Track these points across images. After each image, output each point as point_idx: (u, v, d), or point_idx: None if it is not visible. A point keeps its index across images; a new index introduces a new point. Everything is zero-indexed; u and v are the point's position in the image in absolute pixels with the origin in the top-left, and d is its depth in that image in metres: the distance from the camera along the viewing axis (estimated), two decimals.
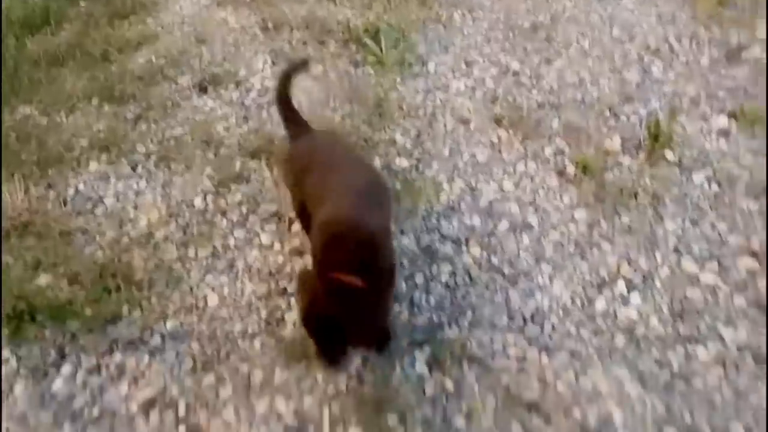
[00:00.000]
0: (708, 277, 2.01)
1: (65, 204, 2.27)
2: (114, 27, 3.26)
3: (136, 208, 2.27)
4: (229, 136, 2.56)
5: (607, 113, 2.70)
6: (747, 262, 2.06)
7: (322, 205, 1.66)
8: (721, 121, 2.63)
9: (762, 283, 1.97)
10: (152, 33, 3.23)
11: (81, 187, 2.36)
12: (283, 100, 1.99)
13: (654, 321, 1.89)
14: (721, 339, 1.84)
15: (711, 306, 1.93)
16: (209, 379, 1.74)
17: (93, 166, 2.46)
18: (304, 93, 2.73)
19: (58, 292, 1.90)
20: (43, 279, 1.97)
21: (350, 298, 1.50)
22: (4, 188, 2.21)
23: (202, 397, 1.69)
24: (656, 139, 2.42)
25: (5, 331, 1.82)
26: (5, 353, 1.79)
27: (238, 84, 2.87)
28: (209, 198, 2.28)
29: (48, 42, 3.18)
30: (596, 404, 1.68)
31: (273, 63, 3.00)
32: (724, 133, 2.58)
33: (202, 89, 2.84)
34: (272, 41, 3.16)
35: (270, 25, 3.29)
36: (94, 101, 2.79)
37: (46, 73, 2.95)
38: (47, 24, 3.24)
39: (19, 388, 1.72)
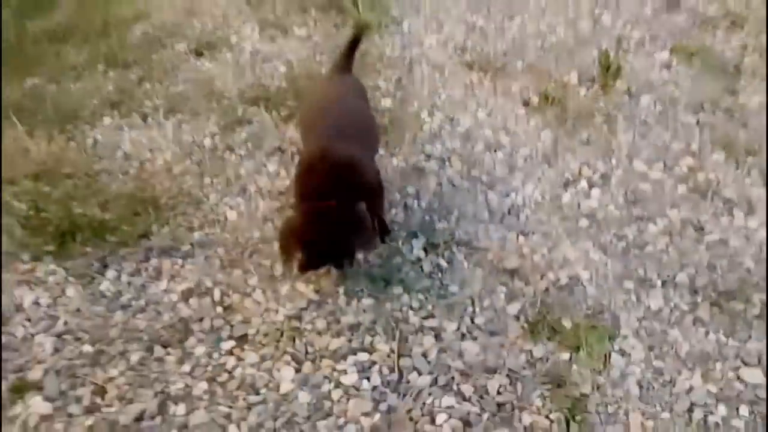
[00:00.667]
0: (656, 174, 2.41)
1: (86, 153, 2.54)
2: (107, 7, 3.55)
3: (151, 151, 2.57)
4: (229, 90, 2.88)
5: (564, 56, 3.10)
6: (688, 161, 2.47)
7: (308, 142, 2.03)
8: (663, 56, 3.06)
9: (701, 176, 2.37)
10: (144, 11, 3.54)
11: (99, 137, 2.65)
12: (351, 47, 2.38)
13: (612, 208, 2.28)
14: (667, 217, 2.23)
15: (658, 194, 2.33)
16: (237, 272, 2.06)
17: (107, 120, 2.75)
18: (291, 52, 3.07)
19: (93, 217, 2.19)
20: (78, 209, 2.27)
21: (325, 220, 1.78)
22: (28, 142, 2.49)
23: (233, 285, 2.01)
24: (607, 70, 2.82)
25: (52, 247, 2.11)
26: (51, 266, 2.08)
27: (231, 48, 3.19)
28: (217, 138, 2.60)
29: (46, 23, 3.47)
30: (566, 268, 2.05)
31: (261, 29, 3.33)
32: (666, 65, 3.01)
33: (199, 54, 3.16)
34: (257, 12, 3.50)
35: None
36: (99, 68, 3.08)
37: (48, 49, 3.23)
38: (42, 8, 3.53)
39: (70, 290, 2.01)
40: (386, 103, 2.76)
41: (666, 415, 1.65)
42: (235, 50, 3.15)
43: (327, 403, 1.69)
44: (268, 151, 2.54)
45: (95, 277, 2.04)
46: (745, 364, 1.75)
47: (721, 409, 1.66)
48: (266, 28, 3.33)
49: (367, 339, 1.83)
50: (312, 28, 3.30)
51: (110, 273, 2.06)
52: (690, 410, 1.66)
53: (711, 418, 1.64)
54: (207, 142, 2.57)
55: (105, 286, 2.02)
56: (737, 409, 1.66)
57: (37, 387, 1.74)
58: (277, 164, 2.48)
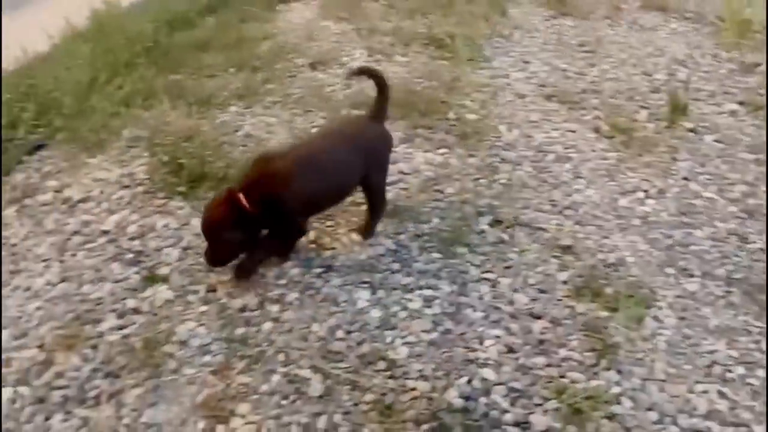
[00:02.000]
0: (709, 194, 2.73)
1: (214, 129, 3.12)
2: (241, 29, 4.29)
3: (268, 133, 3.14)
4: (336, 95, 3.45)
5: (637, 98, 3.50)
6: (741, 188, 2.77)
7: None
8: (732, 106, 3.40)
9: (752, 201, 2.66)
10: (271, 33, 4.24)
11: (225, 119, 3.25)
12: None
13: (664, 214, 2.61)
14: (714, 227, 2.54)
15: (709, 209, 2.64)
16: (329, 222, 2.52)
17: (233, 108, 3.37)
18: (393, 73, 3.63)
19: (218, 172, 2.73)
20: (207, 165, 2.83)
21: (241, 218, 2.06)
22: (171, 116, 3.10)
23: (325, 231, 2.47)
24: (676, 108, 3.19)
25: (184, 189, 2.66)
26: (181, 203, 2.62)
27: (341, 65, 3.79)
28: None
29: (190, 36, 4.22)
30: (614, 252, 2.39)
31: (368, 54, 3.93)
32: (733, 113, 3.34)
33: (313, 67, 3.78)
34: (366, 41, 4.12)
35: (364, 32, 4.26)
36: (231, 70, 3.74)
37: (190, 55, 3.95)
38: (188, 23, 4.31)
39: (194, 221, 2.53)
40: (471, 116, 3.23)
41: (688, 366, 1.93)
42: (344, 67, 3.74)
43: (393, 320, 2.07)
44: None
45: None
46: None
47: (740, 369, 1.91)
48: (373, 54, 3.92)
49: (432, 281, 2.22)
50: (412, 57, 3.86)
51: None
52: (710, 366, 1.92)
53: (729, 375, 1.89)
54: (314, 130, 3.10)
55: None
56: (755, 371, 1.91)
57: (163, 280, 2.22)
58: None
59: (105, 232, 2.48)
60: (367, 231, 2.39)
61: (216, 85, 3.49)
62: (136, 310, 2.09)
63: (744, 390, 1.83)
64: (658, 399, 1.79)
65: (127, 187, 2.76)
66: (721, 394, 1.83)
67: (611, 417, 1.72)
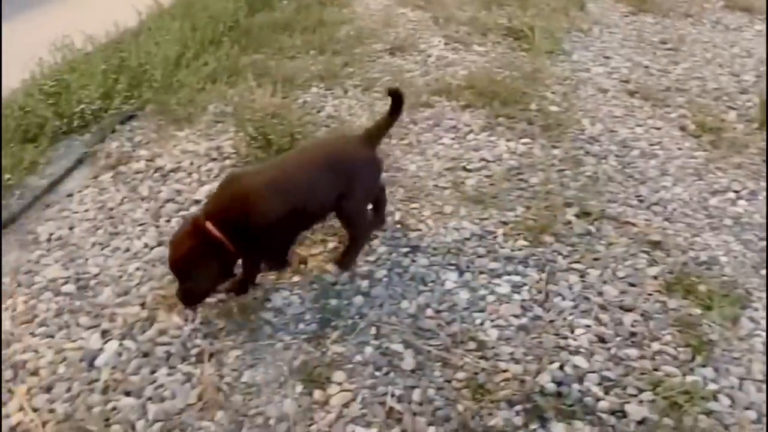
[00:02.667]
0: None
1: (297, 109, 3.18)
2: (320, 12, 4.34)
3: (350, 115, 3.18)
4: (416, 81, 3.47)
5: (724, 98, 3.42)
6: None
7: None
8: None
9: None
10: (349, 18, 4.29)
11: (308, 98, 3.32)
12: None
13: (757, 216, 2.55)
14: None
15: None
16: (414, 205, 2.55)
17: (314, 89, 3.43)
18: (471, 61, 3.63)
19: None
20: (297, 145, 2.89)
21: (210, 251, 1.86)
22: (256, 94, 3.17)
23: (410, 213, 2.50)
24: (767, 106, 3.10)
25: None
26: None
27: (419, 52, 3.81)
28: (404, 114, 3.17)
29: (270, 17, 4.30)
30: (706, 251, 2.35)
31: (445, 42, 3.94)
32: None
33: (392, 53, 3.81)
34: (443, 30, 4.13)
35: (440, 20, 4.27)
36: (311, 53, 3.80)
37: (270, 35, 4.02)
38: (269, 6, 4.39)
39: None
40: (553, 108, 3.21)
41: None
42: (423, 54, 3.76)
43: (482, 303, 2.09)
44: (445, 128, 3.05)
45: None
46: None
47: None
48: (450, 42, 3.93)
49: (520, 268, 2.23)
50: (490, 47, 3.85)
51: None
52: None
53: None
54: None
55: None
56: None
57: None
58: (452, 139, 2.97)
59: (197, 201, 2.56)
60: (342, 261, 2.20)
61: (297, 66, 3.56)
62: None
63: None
64: (756, 399, 1.76)
65: (214, 159, 2.84)
66: None
67: (708, 413, 1.71)
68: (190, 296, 1.91)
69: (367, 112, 3.16)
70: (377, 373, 1.83)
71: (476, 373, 1.82)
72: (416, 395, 1.76)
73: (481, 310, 2.04)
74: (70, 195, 2.68)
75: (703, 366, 1.86)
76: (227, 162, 2.80)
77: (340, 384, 1.79)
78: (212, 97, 3.31)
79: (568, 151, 2.87)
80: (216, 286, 1.96)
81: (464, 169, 2.76)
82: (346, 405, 1.74)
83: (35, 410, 1.73)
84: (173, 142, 3.00)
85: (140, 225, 2.46)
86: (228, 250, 1.85)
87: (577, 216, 2.46)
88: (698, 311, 2.04)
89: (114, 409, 1.74)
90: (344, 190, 2.01)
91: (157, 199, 2.61)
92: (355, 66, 3.61)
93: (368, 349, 1.90)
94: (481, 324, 1.99)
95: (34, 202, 2.64)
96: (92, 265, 2.25)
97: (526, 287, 2.13)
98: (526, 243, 2.32)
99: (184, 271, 1.85)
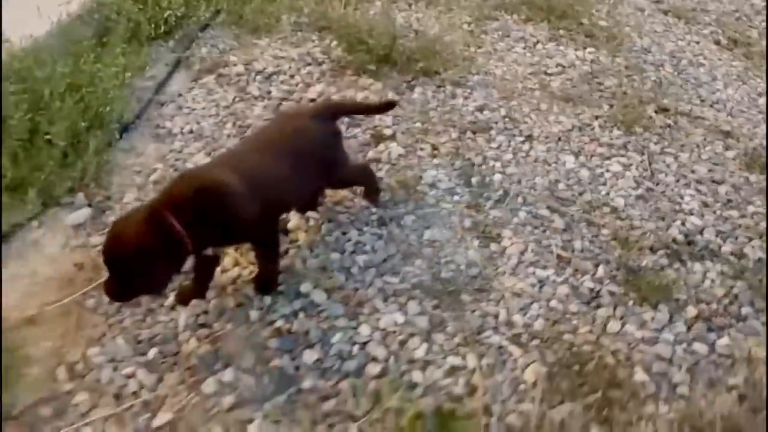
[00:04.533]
0: None
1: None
2: None
3: (420, 26, 3.41)
4: None
5: (744, 18, 3.87)
6: None
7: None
8: None
9: None
10: None
11: (376, 11, 3.51)
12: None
13: None
14: None
15: None
16: (513, 102, 2.86)
17: (378, 3, 3.61)
18: None
19: (404, 52, 3.02)
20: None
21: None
22: (329, 6, 3.32)
23: (513, 108, 2.81)
24: None
25: (373, 67, 2.95)
26: (371, 80, 2.91)
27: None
28: (473, 26, 3.43)
29: None
30: None
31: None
32: None
33: None
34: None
35: None
36: None
37: None
38: None
39: (390, 94, 2.84)
40: (602, 23, 3.55)
41: None
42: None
43: (602, 179, 2.45)
44: (515, 39, 3.35)
45: (405, 93, 2.86)
46: None
47: None
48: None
49: (622, 152, 2.60)
50: None
51: (417, 90, 2.87)
52: None
53: None
54: (465, 26, 3.40)
55: (416, 96, 2.83)
56: None
57: (392, 138, 2.55)
58: (523, 48, 3.28)
59: (312, 100, 2.77)
60: (376, 200, 2.22)
61: None
62: (377, 160, 2.41)
63: None
64: None
65: (309, 64, 3.02)
66: None
67: None
68: (123, 291, 1.62)
69: (438, 23, 3.38)
70: (536, 231, 2.17)
71: (617, 230, 2.18)
72: (576, 245, 2.11)
73: (603, 184, 2.40)
74: (180, 95, 2.80)
75: None
76: (324, 66, 2.98)
77: (510, 238, 2.12)
78: (282, 8, 3.43)
79: (628, 59, 3.24)
80: (158, 286, 1.67)
81: (545, 73, 3.07)
82: (522, 253, 2.06)
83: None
84: (257, 49, 3.14)
85: (264, 120, 2.64)
86: (186, 249, 1.58)
87: (656, 111, 2.84)
88: None
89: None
90: (324, 170, 1.91)
91: (270, 98, 2.78)
92: None
93: (521, 214, 2.23)
94: (607, 194, 2.35)
95: (151, 100, 2.76)
96: None
97: (633, 166, 2.50)
98: (620, 133, 2.69)
99: (127, 262, 1.53)
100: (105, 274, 1.64)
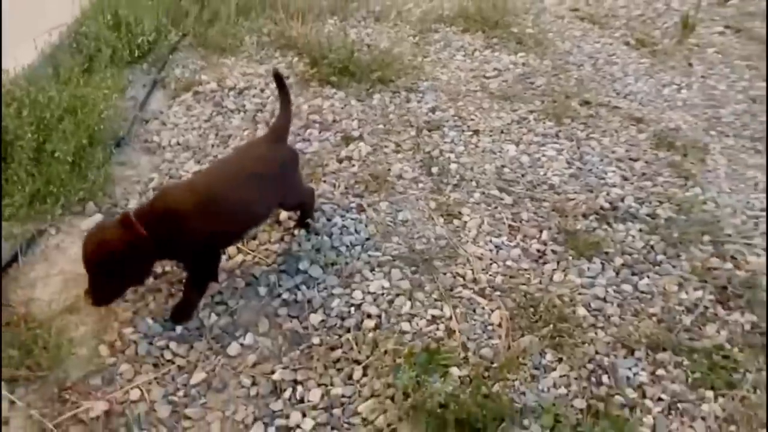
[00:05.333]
0: (722, 87, 3.74)
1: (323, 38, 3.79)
2: None
3: (372, 40, 3.86)
4: (413, 12, 4.19)
5: (649, 21, 4.48)
6: (744, 83, 3.82)
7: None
8: (719, 29, 4.44)
9: (753, 91, 3.71)
10: None
11: (330, 29, 3.94)
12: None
13: (696, 99, 3.60)
14: (733, 106, 3.56)
15: (726, 96, 3.66)
16: (459, 104, 3.34)
17: (330, 21, 4.04)
18: None
19: (359, 65, 3.44)
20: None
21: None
22: (285, 24, 3.74)
23: (462, 108, 3.29)
24: (686, 28, 4.20)
25: (335, 79, 3.37)
26: (334, 90, 3.33)
27: None
28: (417, 38, 3.90)
29: None
30: (672, 122, 3.35)
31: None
32: (722, 33, 4.39)
33: None
34: None
35: None
36: None
37: None
38: None
39: (353, 102, 3.25)
40: (529, 30, 4.09)
41: (741, 185, 2.93)
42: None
43: (539, 162, 2.94)
44: (455, 48, 3.83)
45: (365, 99, 3.29)
46: None
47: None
48: None
49: (554, 139, 3.10)
50: None
51: (376, 96, 3.30)
52: (756, 185, 2.94)
53: None
54: (410, 39, 3.87)
55: (375, 102, 3.26)
56: None
57: (360, 139, 2.97)
58: (463, 56, 3.77)
59: None
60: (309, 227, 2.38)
61: (307, 1, 4.11)
62: (349, 158, 2.83)
63: None
64: (728, 201, 2.77)
65: None
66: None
67: (704, 211, 2.68)
68: (104, 294, 1.89)
69: (385, 37, 3.83)
70: (489, 207, 2.62)
71: (555, 203, 2.66)
72: (524, 216, 2.58)
73: (541, 166, 2.88)
74: (162, 112, 3.14)
75: (693, 186, 2.84)
76: (290, 80, 3.37)
77: (468, 215, 2.56)
78: (244, 31, 3.80)
79: (554, 61, 3.77)
80: (129, 286, 1.97)
81: (484, 77, 3.56)
82: (479, 226, 2.51)
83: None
84: (226, 68, 3.50)
85: (244, 130, 3.01)
86: (151, 250, 1.83)
87: (580, 104, 3.36)
88: (678, 157, 3.02)
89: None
90: (280, 191, 2.15)
91: (245, 110, 3.15)
92: (357, 1, 4.23)
93: (476, 194, 2.68)
94: (545, 174, 2.83)
95: (136, 117, 3.08)
96: None
97: (564, 151, 3.00)
98: (551, 124, 3.19)
99: (105, 265, 1.79)
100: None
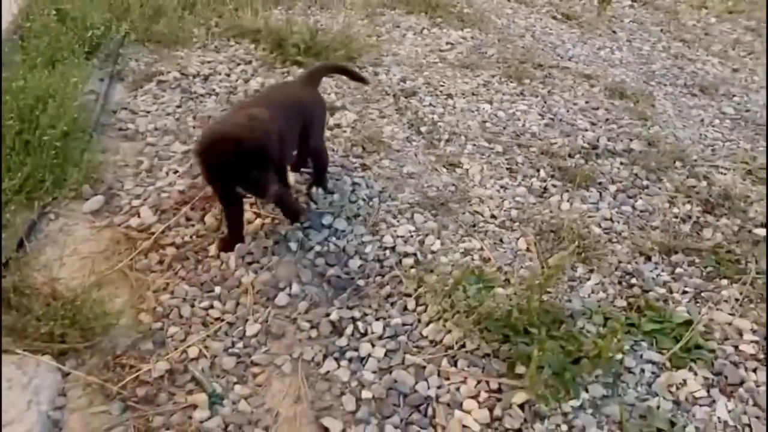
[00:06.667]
0: (647, 48, 4.18)
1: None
2: None
3: (324, 26, 3.98)
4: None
5: None
6: (661, 44, 4.28)
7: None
8: (628, 2, 4.94)
9: (663, 52, 4.17)
10: None
11: (281, 17, 4.02)
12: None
13: (629, 59, 4.00)
14: (657, 63, 3.99)
15: (650, 55, 4.09)
16: (426, 74, 3.53)
17: (275, 11, 4.12)
18: None
19: (323, 45, 3.54)
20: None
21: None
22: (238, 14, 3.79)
23: (431, 77, 3.47)
24: (602, 2, 4.64)
25: (301, 59, 3.46)
26: (300, 70, 3.42)
27: None
28: (366, 21, 4.07)
29: None
30: (618, 78, 3.71)
31: None
32: (632, 6, 4.89)
33: None
34: None
35: None
36: None
37: None
38: None
39: None
40: (466, 10, 4.37)
41: (691, 122, 3.30)
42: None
43: (515, 116, 3.17)
44: (405, 28, 4.03)
45: (335, 76, 3.39)
46: None
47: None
48: None
49: (521, 98, 3.35)
50: None
51: None
52: (702, 124, 3.32)
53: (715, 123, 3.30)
54: (360, 22, 4.02)
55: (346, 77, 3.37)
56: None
57: (343, 108, 3.06)
58: (413, 34, 3.97)
59: (256, 90, 3.20)
60: (322, 185, 2.48)
61: None
62: (338, 125, 2.92)
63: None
64: (685, 135, 3.12)
65: (239, 64, 3.44)
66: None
67: (669, 143, 3.01)
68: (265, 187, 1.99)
69: (335, 23, 3.96)
70: (484, 156, 2.79)
71: (541, 147, 2.88)
72: (518, 159, 2.77)
73: (518, 119, 3.10)
74: (128, 102, 3.08)
75: (652, 126, 3.16)
76: (253, 64, 3.41)
77: (468, 164, 2.72)
78: (191, 24, 3.79)
79: (497, 34, 4.05)
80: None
81: (440, 50, 3.76)
82: (480, 172, 2.68)
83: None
84: (181, 60, 3.48)
85: (222, 111, 3.02)
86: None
87: (534, 67, 3.64)
88: (632, 104, 3.36)
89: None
90: (306, 126, 2.24)
91: (217, 93, 3.15)
92: None
93: (469, 146, 2.84)
94: (524, 125, 3.05)
95: (103, 108, 3.00)
96: None
97: (533, 105, 3.24)
98: (514, 85, 3.43)
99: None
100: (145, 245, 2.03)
